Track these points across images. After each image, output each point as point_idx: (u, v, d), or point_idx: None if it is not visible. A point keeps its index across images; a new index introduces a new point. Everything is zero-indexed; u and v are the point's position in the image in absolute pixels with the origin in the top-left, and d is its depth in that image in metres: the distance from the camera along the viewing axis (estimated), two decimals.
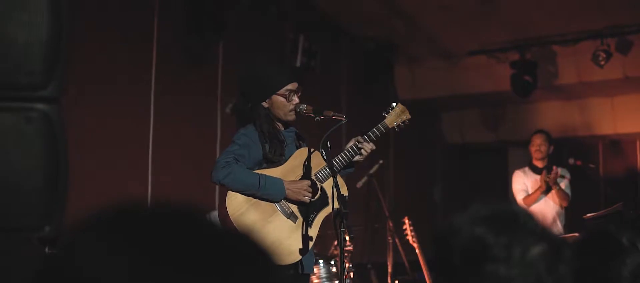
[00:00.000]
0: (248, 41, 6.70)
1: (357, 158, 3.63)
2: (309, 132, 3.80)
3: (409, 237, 6.08)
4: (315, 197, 3.53)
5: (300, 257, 3.44)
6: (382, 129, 3.68)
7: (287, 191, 3.45)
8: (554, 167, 6.15)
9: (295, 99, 3.57)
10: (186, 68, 6.34)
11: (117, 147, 5.65)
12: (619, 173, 9.20)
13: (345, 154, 3.60)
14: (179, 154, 6.17)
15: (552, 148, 6.38)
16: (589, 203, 6.23)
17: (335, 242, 5.27)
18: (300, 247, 3.44)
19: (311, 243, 3.49)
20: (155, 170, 5.93)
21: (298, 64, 7.04)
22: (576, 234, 4.18)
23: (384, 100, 5.45)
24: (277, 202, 3.48)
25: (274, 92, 3.55)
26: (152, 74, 6.00)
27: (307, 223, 3.49)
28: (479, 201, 1.26)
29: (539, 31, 7.85)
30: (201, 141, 6.44)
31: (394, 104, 3.77)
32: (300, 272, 3.48)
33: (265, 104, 3.56)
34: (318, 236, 3.55)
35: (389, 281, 6.24)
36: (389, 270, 6.23)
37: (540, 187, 6.17)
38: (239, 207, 3.41)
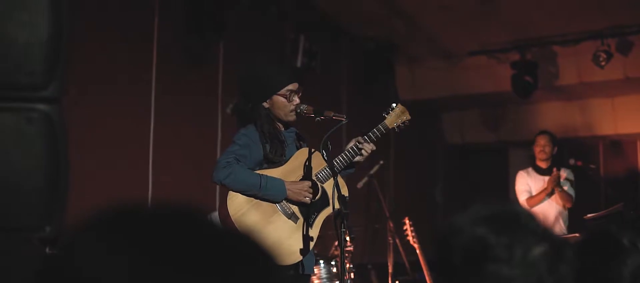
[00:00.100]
0: (248, 41, 6.70)
1: (357, 158, 3.63)
2: (309, 133, 3.80)
3: (410, 238, 6.08)
4: (316, 198, 3.53)
5: (301, 258, 3.44)
6: (382, 129, 3.68)
7: (288, 192, 3.44)
8: (555, 169, 6.13)
9: (296, 100, 3.57)
10: (186, 68, 6.34)
11: (118, 147, 5.65)
12: (619, 173, 9.20)
13: (346, 155, 3.60)
14: (180, 154, 6.17)
15: (556, 149, 6.37)
16: (590, 203, 6.23)
17: (336, 243, 5.27)
18: (301, 247, 3.44)
19: (312, 244, 3.49)
20: (156, 170, 5.93)
21: (299, 64, 7.04)
22: (577, 235, 4.18)
23: (384, 100, 5.45)
24: (278, 203, 3.48)
25: (275, 93, 3.55)
26: (153, 74, 6.00)
27: (308, 223, 3.48)
28: (479, 201, 1.26)
29: (540, 31, 7.85)
30: (202, 141, 6.44)
31: (394, 105, 3.77)
32: (300, 272, 3.47)
33: (265, 104, 3.56)
34: (319, 236, 3.55)
35: (390, 281, 6.24)
36: (390, 270, 6.23)
37: (545, 189, 6.15)
38: (240, 207, 3.41)
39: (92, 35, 5.22)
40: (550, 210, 6.17)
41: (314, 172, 3.54)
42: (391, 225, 6.22)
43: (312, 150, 3.55)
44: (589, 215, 4.58)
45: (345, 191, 3.45)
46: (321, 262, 4.78)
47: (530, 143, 6.59)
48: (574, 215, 6.26)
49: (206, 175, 3.65)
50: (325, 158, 3.55)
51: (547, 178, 6.19)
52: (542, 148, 6.33)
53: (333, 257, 4.98)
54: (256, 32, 6.82)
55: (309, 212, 3.50)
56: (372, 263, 6.98)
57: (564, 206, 6.21)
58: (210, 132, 6.53)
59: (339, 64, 8.35)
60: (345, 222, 3.31)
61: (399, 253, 6.26)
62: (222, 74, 6.66)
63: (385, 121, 3.71)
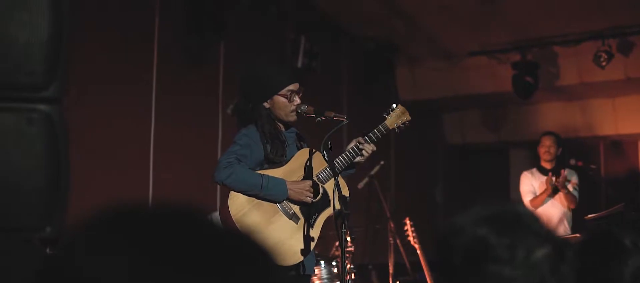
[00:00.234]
0: (249, 41, 6.70)
1: (358, 159, 3.63)
2: (309, 133, 3.79)
3: (410, 238, 6.08)
4: (317, 198, 3.53)
5: (302, 258, 3.43)
6: (383, 130, 3.68)
7: (289, 191, 3.44)
8: (563, 170, 6.12)
9: (297, 100, 3.57)
10: (187, 68, 6.34)
11: (119, 147, 5.65)
12: (620, 174, 9.19)
13: (346, 155, 3.60)
14: (180, 155, 6.17)
15: (560, 150, 6.36)
16: (591, 204, 6.23)
17: (337, 243, 5.26)
18: (302, 247, 3.44)
19: (313, 244, 3.48)
20: (157, 170, 5.93)
21: (299, 65, 7.04)
22: (578, 235, 4.17)
23: (385, 100, 5.45)
24: (279, 203, 3.47)
25: (276, 93, 3.55)
26: (153, 74, 6.00)
27: (309, 224, 3.48)
28: (480, 202, 1.26)
29: (540, 32, 7.85)
30: (202, 141, 6.44)
31: (394, 105, 3.77)
32: (301, 272, 3.47)
33: (266, 105, 3.56)
34: (319, 237, 3.54)
35: (390, 282, 6.24)
36: (390, 270, 6.23)
37: (546, 189, 6.14)
38: (241, 207, 3.41)
39: (92, 35, 5.22)
40: (554, 211, 6.17)
41: (314, 173, 3.54)
42: (392, 225, 6.22)
43: (313, 150, 3.55)
44: (589, 216, 4.57)
45: (346, 191, 3.45)
46: (322, 262, 4.78)
47: (530, 144, 6.59)
48: (575, 216, 6.26)
49: (207, 176, 3.65)
50: (326, 158, 3.55)
51: (553, 179, 6.18)
52: (547, 149, 6.32)
53: (334, 258, 4.98)
54: (256, 32, 6.82)
55: (309, 212, 3.50)
56: (373, 263, 6.98)
57: (568, 207, 6.20)
58: (211, 132, 6.53)
59: (339, 64, 8.35)
60: (346, 223, 3.31)
61: (399, 254, 6.26)
62: (223, 74, 6.66)
63: (386, 122, 3.71)
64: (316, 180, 3.55)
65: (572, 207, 6.20)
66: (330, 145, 3.55)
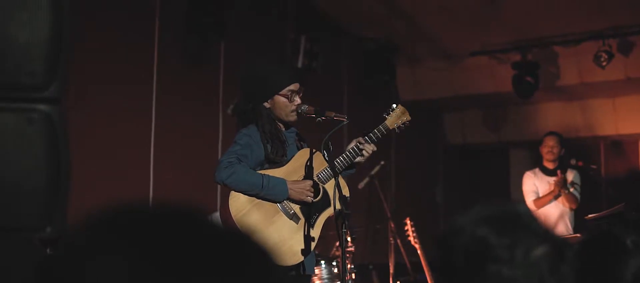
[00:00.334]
0: (249, 42, 6.70)
1: (358, 159, 3.63)
2: (310, 133, 3.79)
3: (411, 238, 6.08)
4: (317, 198, 3.53)
5: (302, 258, 3.43)
6: (383, 130, 3.68)
7: (290, 191, 3.44)
8: (559, 172, 6.11)
9: (297, 100, 3.57)
10: (187, 68, 6.34)
11: (119, 147, 5.65)
12: (620, 174, 9.19)
13: (347, 155, 3.60)
14: (180, 155, 6.17)
15: (563, 150, 6.35)
16: (591, 204, 6.22)
17: (337, 243, 5.26)
18: (303, 247, 3.44)
19: (313, 244, 3.48)
20: (157, 170, 5.93)
21: (299, 65, 7.04)
22: (578, 235, 4.17)
23: (385, 100, 5.45)
24: (279, 203, 3.47)
25: (276, 93, 3.55)
26: (154, 74, 6.00)
27: (309, 224, 3.48)
28: (480, 202, 1.26)
29: (541, 32, 7.85)
30: (202, 141, 6.44)
31: (394, 105, 3.77)
32: (302, 272, 3.47)
33: (267, 105, 3.56)
34: (320, 237, 3.54)
35: (391, 282, 6.24)
36: (391, 271, 6.23)
37: (552, 191, 6.12)
38: (242, 207, 3.41)
39: (92, 35, 5.22)
40: (553, 211, 6.16)
41: (315, 173, 3.54)
42: (392, 225, 6.22)
43: (314, 150, 3.55)
44: (590, 216, 4.57)
45: (346, 191, 3.45)
46: (322, 262, 4.78)
47: (531, 144, 6.59)
48: (576, 216, 6.25)
49: (207, 176, 3.65)
50: (327, 158, 3.55)
51: (553, 179, 6.17)
52: (550, 149, 6.31)
53: (334, 258, 4.98)
54: (257, 32, 6.82)
55: (310, 212, 3.50)
56: (374, 263, 6.97)
57: (569, 207, 6.19)
58: (211, 133, 6.52)
59: (340, 64, 8.35)
60: (346, 223, 3.31)
61: (400, 254, 6.25)
62: (223, 74, 6.66)
63: (386, 122, 3.71)
64: (316, 180, 3.55)
65: (573, 207, 6.19)
66: (330, 145, 3.55)
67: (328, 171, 3.55)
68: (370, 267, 6.92)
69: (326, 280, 4.77)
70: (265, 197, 3.43)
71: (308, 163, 3.53)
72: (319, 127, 3.59)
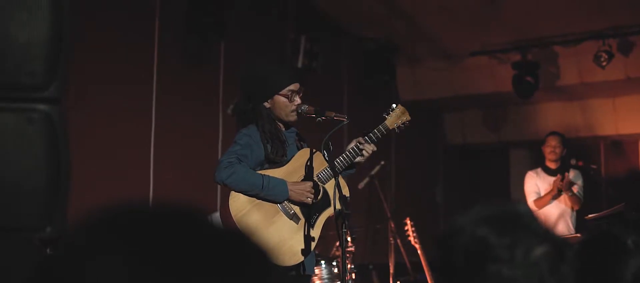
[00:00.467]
0: (249, 42, 6.70)
1: (358, 159, 3.63)
2: (310, 133, 3.79)
3: (411, 238, 6.08)
4: (318, 198, 3.53)
5: (302, 258, 3.43)
6: (383, 130, 3.68)
7: (290, 192, 3.44)
8: (559, 175, 6.11)
9: (297, 100, 3.57)
10: (187, 68, 6.34)
11: (119, 147, 5.65)
12: (620, 174, 9.19)
13: (347, 155, 3.60)
14: (180, 155, 6.17)
15: (565, 150, 6.35)
16: (591, 204, 6.22)
17: (337, 243, 5.26)
18: (303, 247, 3.43)
19: (313, 244, 3.48)
20: (157, 170, 5.93)
21: (299, 65, 7.04)
22: (578, 235, 4.17)
23: (385, 100, 5.45)
24: (279, 203, 3.47)
25: (276, 93, 3.55)
26: (154, 74, 6.00)
27: (310, 224, 3.48)
28: (480, 201, 1.26)
29: (541, 32, 7.85)
30: (202, 142, 6.44)
31: (394, 105, 3.77)
32: (302, 272, 3.47)
33: (267, 104, 3.56)
34: (320, 237, 3.54)
35: (391, 282, 6.24)
36: (391, 271, 6.23)
37: (551, 191, 6.12)
38: (242, 207, 3.41)
39: (92, 35, 5.22)
40: (553, 210, 6.16)
41: (315, 173, 3.54)
42: (392, 225, 6.22)
43: (314, 150, 3.55)
44: (590, 216, 4.57)
45: (346, 191, 3.45)
46: (322, 262, 4.78)
47: (531, 144, 6.59)
48: (578, 216, 6.24)
49: (207, 176, 3.65)
50: (327, 158, 3.55)
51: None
52: (552, 149, 6.30)
53: (334, 258, 4.98)
54: (257, 32, 6.82)
55: (310, 212, 3.50)
56: (374, 263, 6.97)
57: (572, 207, 6.19)
58: (211, 133, 6.53)
59: (340, 64, 8.35)
60: (346, 223, 3.31)
61: (400, 254, 6.25)
62: (223, 74, 6.66)
63: (386, 122, 3.71)
64: (316, 180, 3.55)
65: (576, 207, 6.18)
66: (330, 145, 3.55)
67: (328, 171, 3.55)
68: (370, 267, 6.93)
69: (326, 280, 4.77)
70: (265, 198, 3.43)
71: (308, 164, 3.53)
72: (319, 127, 3.59)
